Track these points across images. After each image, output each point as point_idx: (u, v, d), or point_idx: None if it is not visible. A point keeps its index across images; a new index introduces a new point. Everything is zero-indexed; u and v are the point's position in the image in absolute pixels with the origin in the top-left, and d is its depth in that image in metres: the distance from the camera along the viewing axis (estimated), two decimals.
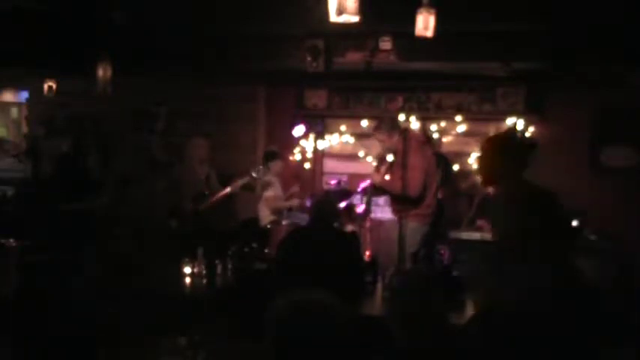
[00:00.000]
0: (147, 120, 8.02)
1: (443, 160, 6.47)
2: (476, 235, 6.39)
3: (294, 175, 7.43)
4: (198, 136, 6.55)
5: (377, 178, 5.82)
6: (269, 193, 6.58)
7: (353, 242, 4.65)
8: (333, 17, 3.66)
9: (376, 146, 6.32)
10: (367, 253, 5.33)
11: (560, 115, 6.80)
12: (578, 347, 2.63)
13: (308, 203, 6.30)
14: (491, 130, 7.02)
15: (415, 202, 5.56)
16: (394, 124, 5.88)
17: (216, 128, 7.50)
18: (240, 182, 6.17)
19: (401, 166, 5.54)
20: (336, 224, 4.84)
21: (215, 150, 6.75)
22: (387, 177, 5.77)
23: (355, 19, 3.66)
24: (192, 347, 3.40)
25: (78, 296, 4.15)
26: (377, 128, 5.87)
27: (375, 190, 5.96)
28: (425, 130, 6.92)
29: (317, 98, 7.59)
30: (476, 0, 4.98)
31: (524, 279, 2.89)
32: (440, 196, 6.07)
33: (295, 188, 6.86)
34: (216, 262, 4.99)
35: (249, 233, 6.25)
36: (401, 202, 5.57)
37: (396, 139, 5.70)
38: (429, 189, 5.70)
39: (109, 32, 5.76)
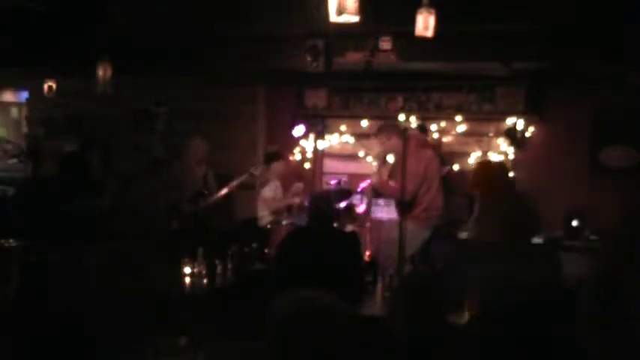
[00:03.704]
0: (147, 120, 8.01)
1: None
2: None
3: (295, 175, 7.43)
4: (195, 136, 6.57)
5: (374, 180, 5.86)
6: (267, 193, 6.55)
7: (353, 242, 4.65)
8: (333, 17, 3.66)
9: (376, 146, 6.34)
10: (367, 253, 5.33)
11: (560, 115, 6.79)
12: (568, 347, 2.64)
13: (307, 203, 6.29)
14: (492, 130, 7.04)
15: (407, 206, 5.52)
16: (392, 127, 5.91)
17: (216, 128, 7.49)
18: (237, 181, 6.18)
19: (396, 169, 5.57)
20: (335, 224, 4.84)
21: (215, 150, 6.76)
22: (389, 180, 5.80)
23: (355, 19, 3.66)
24: (192, 347, 3.41)
25: (78, 296, 4.15)
26: (377, 132, 5.93)
27: (374, 191, 5.96)
28: (425, 129, 6.92)
29: (317, 98, 7.57)
30: (476, 0, 4.98)
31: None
32: None
33: (299, 185, 6.79)
34: (216, 262, 4.99)
35: (249, 233, 6.24)
36: (397, 204, 5.60)
37: (393, 141, 5.73)
38: (426, 192, 5.67)
39: (109, 32, 5.76)
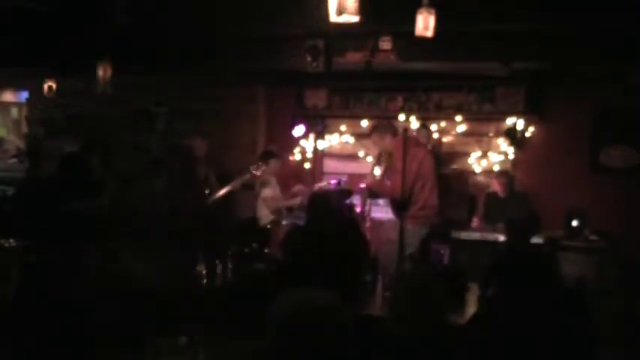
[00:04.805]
0: (147, 120, 8.01)
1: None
2: (476, 235, 6.41)
3: (295, 174, 7.43)
4: (195, 136, 6.58)
5: (369, 179, 5.85)
6: (267, 193, 6.56)
7: (353, 228, 4.63)
8: (333, 17, 3.66)
9: (371, 145, 6.34)
10: None
11: (560, 115, 6.80)
12: (568, 347, 2.64)
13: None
14: (492, 130, 7.04)
15: (402, 205, 5.46)
16: (387, 127, 5.87)
17: (216, 128, 7.50)
18: (239, 180, 6.18)
19: (390, 169, 5.55)
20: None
21: (215, 150, 6.76)
22: (383, 179, 5.78)
23: (355, 19, 3.66)
24: (192, 347, 3.41)
25: (78, 296, 4.15)
26: (372, 130, 5.91)
27: (370, 191, 5.94)
28: (426, 129, 6.91)
29: (317, 98, 7.58)
30: (476, 0, 4.98)
31: None
32: None
33: (300, 187, 6.78)
34: (216, 262, 4.99)
35: (249, 233, 6.24)
36: (392, 204, 5.58)
37: (387, 140, 5.69)
38: (421, 191, 5.63)
39: (109, 32, 5.76)
